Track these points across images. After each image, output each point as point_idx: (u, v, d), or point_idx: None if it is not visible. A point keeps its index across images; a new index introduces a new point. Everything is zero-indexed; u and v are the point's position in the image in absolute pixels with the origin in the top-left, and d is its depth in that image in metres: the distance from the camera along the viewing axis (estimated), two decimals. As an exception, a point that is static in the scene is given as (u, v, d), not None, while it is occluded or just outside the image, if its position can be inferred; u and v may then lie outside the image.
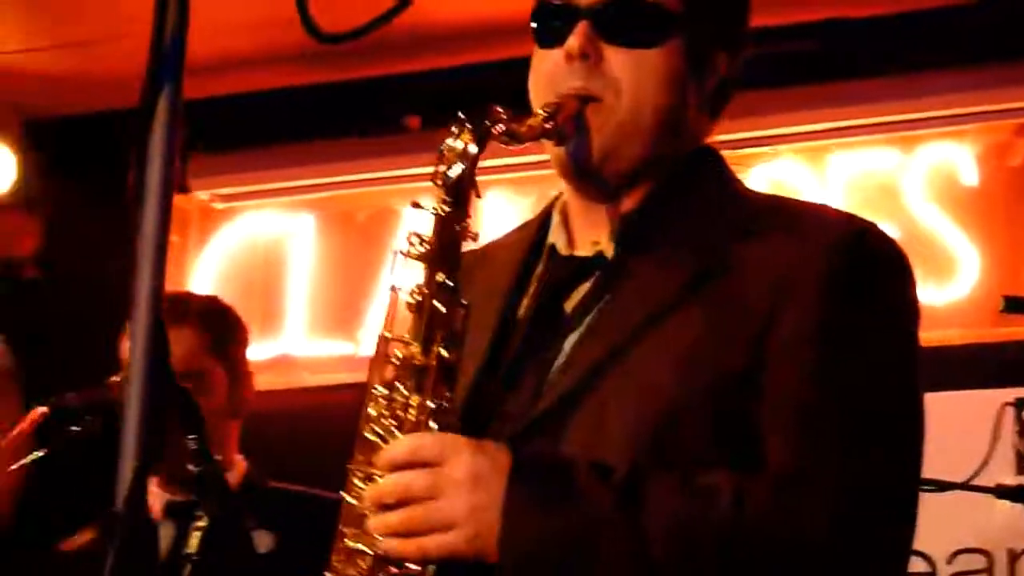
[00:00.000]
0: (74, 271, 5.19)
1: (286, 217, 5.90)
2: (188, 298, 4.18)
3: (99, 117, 5.51)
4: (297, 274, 5.84)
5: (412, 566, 1.98)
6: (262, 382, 4.38)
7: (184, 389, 3.28)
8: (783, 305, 1.99)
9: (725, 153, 2.47)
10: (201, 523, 3.30)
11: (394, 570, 1.98)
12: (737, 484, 1.93)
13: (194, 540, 3.38)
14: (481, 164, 2.13)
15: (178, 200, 5.71)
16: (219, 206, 5.98)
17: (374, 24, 1.82)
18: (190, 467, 3.17)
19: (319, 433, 3.25)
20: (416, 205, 2.02)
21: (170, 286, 5.61)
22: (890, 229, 4.71)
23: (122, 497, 1.42)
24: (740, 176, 2.63)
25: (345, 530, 2.00)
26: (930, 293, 4.68)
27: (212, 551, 3.29)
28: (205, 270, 5.92)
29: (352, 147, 5.46)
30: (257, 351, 5.30)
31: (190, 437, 3.19)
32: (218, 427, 3.57)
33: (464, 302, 1.99)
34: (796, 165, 5.27)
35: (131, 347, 1.48)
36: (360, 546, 1.98)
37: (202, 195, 5.91)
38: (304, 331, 5.72)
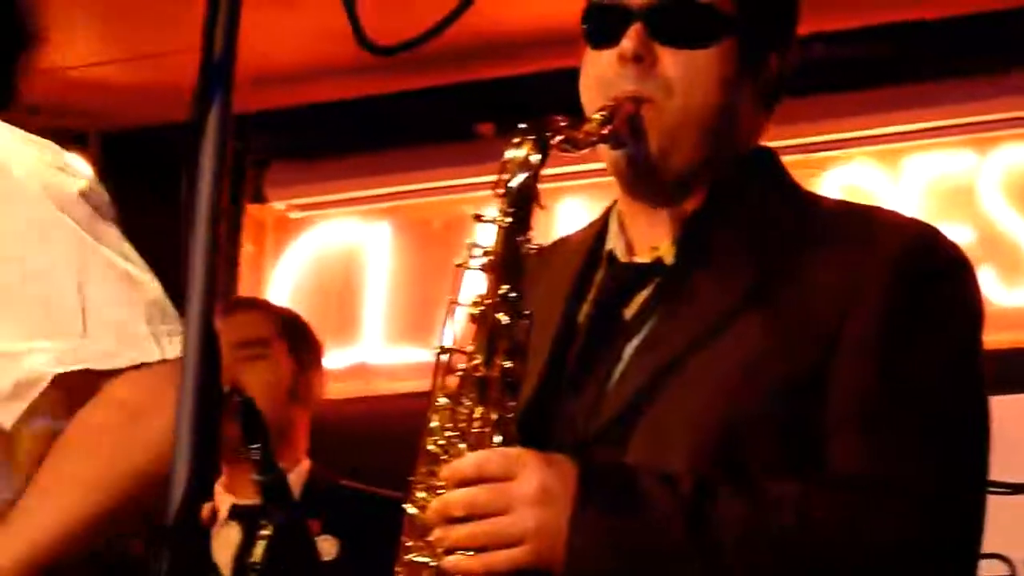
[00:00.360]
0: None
1: (362, 226, 5.95)
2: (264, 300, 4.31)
3: (175, 128, 5.52)
4: (374, 282, 5.87)
5: None
6: (340, 390, 4.42)
7: (249, 400, 3.32)
8: (847, 311, 1.99)
9: (799, 157, 2.44)
10: (265, 531, 3.33)
11: None
12: (802, 492, 1.93)
13: (259, 548, 3.41)
14: (557, 170, 2.14)
15: (255, 210, 5.86)
16: (295, 215, 6.06)
17: (426, 36, 1.81)
18: (254, 476, 3.21)
19: (397, 440, 3.31)
20: (478, 218, 2.02)
21: (248, 295, 5.65)
22: (966, 231, 4.68)
23: (175, 505, 1.41)
24: (814, 180, 2.60)
25: (408, 542, 2.00)
26: (1006, 295, 4.69)
27: (276, 560, 3.27)
28: (282, 279, 5.98)
29: (426, 155, 5.50)
30: (334, 359, 5.37)
31: (253, 447, 3.21)
32: (280, 407, 3.64)
33: (527, 312, 1.98)
34: (871, 168, 5.25)
35: (183, 363, 1.46)
36: (423, 559, 1.98)
37: (278, 205, 5.99)
38: (381, 339, 5.75)
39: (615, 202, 2.21)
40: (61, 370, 2.27)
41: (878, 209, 2.35)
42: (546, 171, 2.12)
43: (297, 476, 3.59)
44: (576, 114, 2.09)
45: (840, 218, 2.14)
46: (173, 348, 2.32)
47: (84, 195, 2.42)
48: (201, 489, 1.48)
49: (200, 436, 1.38)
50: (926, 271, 2.03)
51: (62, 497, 2.34)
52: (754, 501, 1.93)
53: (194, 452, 1.37)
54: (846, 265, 2.02)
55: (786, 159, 2.32)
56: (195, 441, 1.38)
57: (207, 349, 1.37)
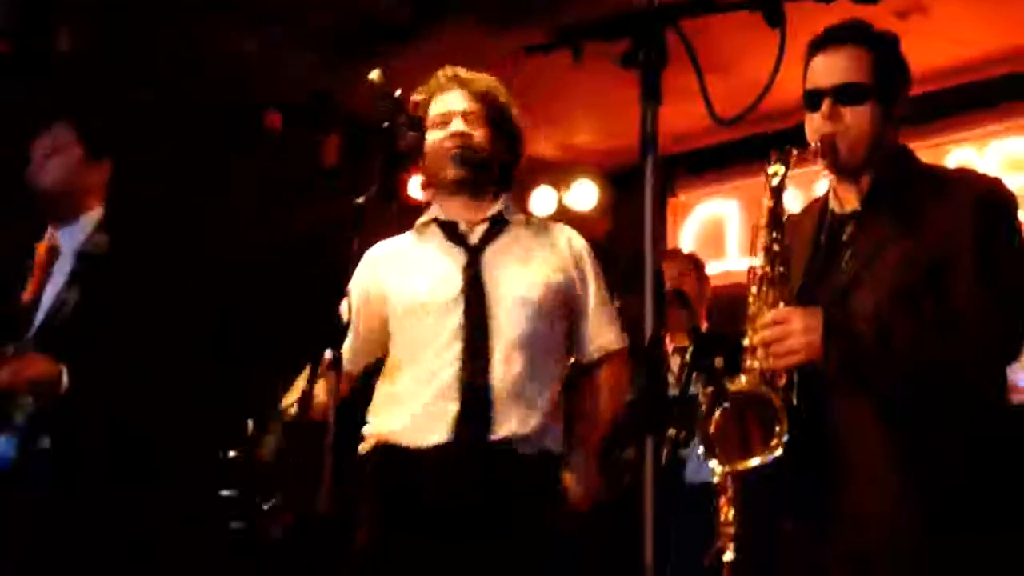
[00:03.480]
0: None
1: (723, 203, 6.44)
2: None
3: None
4: (730, 241, 6.35)
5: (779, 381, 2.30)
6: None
7: (682, 292, 3.82)
8: (956, 228, 2.30)
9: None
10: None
11: (769, 378, 2.30)
12: (940, 317, 2.24)
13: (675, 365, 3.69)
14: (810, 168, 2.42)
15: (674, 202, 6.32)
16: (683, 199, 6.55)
17: (749, 109, 1.92)
18: (688, 327, 3.66)
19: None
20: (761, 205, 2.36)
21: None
22: None
23: (648, 341, 1.67)
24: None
25: (745, 357, 2.37)
26: None
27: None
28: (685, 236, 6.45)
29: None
30: (713, 267, 5.69)
31: (687, 309, 3.75)
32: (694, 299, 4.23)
33: (787, 246, 2.39)
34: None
35: (646, 294, 1.69)
36: (753, 364, 2.36)
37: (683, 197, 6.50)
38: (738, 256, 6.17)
39: (830, 184, 2.56)
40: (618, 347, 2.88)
41: (961, 169, 2.75)
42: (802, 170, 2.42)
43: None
44: (803, 144, 2.46)
45: (944, 176, 2.44)
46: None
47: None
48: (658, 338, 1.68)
49: (657, 312, 1.70)
50: (994, 204, 2.34)
51: (608, 416, 2.91)
52: (915, 326, 2.27)
53: (656, 318, 1.67)
54: (951, 206, 2.33)
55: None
56: (656, 313, 1.68)
57: (657, 294, 1.68)
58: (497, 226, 3.01)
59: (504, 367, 2.79)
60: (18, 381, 2.87)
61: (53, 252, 3.14)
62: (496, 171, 3.03)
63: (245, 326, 4.56)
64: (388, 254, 3.06)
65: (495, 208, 3.04)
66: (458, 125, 3.00)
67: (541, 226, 3.07)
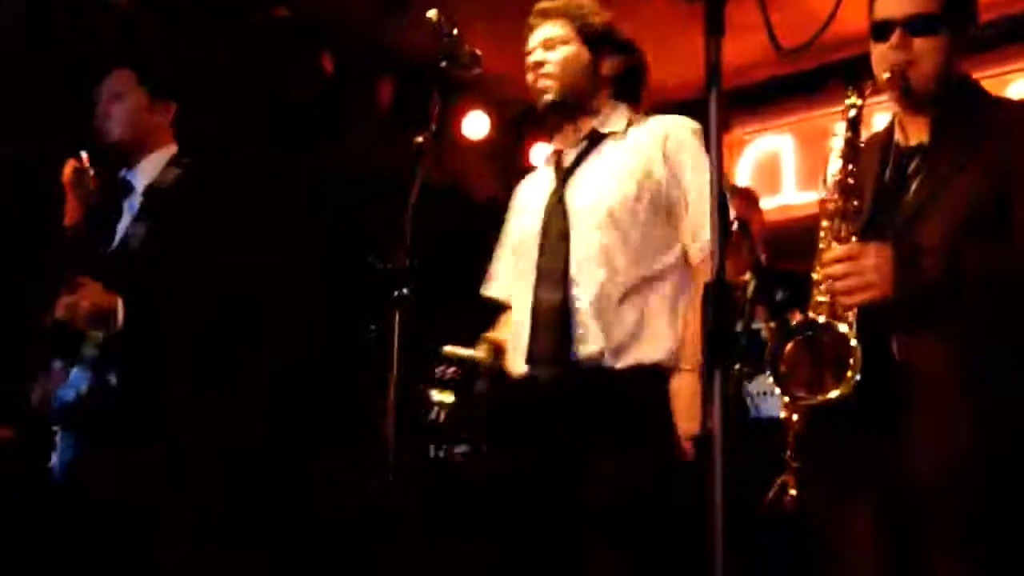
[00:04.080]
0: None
1: (776, 138, 6.29)
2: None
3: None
4: (787, 175, 6.19)
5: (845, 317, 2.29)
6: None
7: (744, 223, 3.66)
8: (1020, 157, 2.31)
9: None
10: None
11: (836, 313, 2.30)
12: (1000, 246, 2.28)
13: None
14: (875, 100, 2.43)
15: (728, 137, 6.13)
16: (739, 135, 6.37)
17: (812, 40, 2.01)
18: (751, 256, 3.56)
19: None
20: (835, 134, 2.37)
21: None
22: None
23: (715, 274, 1.67)
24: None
25: (814, 292, 2.36)
26: None
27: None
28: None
29: (828, 94, 5.62)
30: (768, 202, 5.40)
31: (746, 239, 3.62)
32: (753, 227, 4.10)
33: (860, 177, 2.35)
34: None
35: (711, 226, 1.74)
36: (822, 299, 2.35)
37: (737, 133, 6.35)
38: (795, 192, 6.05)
39: (895, 115, 2.56)
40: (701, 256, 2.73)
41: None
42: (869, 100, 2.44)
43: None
44: (870, 75, 2.46)
45: (1010, 106, 2.47)
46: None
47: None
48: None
49: (721, 245, 1.75)
50: None
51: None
52: (981, 257, 2.28)
53: (720, 249, 1.74)
54: (1015, 134, 2.35)
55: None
56: (720, 248, 1.75)
57: (722, 229, 1.77)
58: (593, 143, 2.94)
59: (580, 287, 2.73)
60: (76, 314, 2.86)
61: (81, 173, 3.14)
62: (597, 85, 2.95)
63: (306, 266, 4.60)
64: (518, 195, 3.06)
65: (591, 124, 2.96)
66: (536, 56, 2.94)
67: (641, 127, 2.94)
